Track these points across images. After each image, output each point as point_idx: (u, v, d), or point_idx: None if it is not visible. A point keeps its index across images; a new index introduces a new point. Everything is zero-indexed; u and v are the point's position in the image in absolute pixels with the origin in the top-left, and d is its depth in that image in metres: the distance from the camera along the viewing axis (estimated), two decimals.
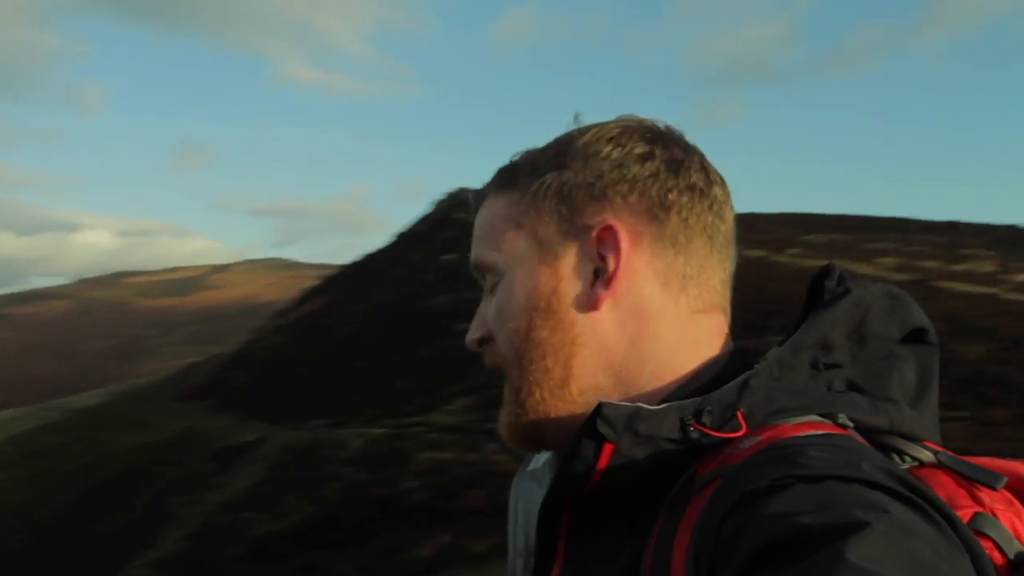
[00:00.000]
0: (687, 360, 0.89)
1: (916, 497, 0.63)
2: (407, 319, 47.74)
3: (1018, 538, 0.75)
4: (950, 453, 0.83)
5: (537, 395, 0.90)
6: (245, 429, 40.46)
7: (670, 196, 0.91)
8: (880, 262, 38.58)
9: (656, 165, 0.92)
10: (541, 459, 1.00)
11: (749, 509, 0.64)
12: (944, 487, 0.79)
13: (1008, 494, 0.80)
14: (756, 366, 0.84)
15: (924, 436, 0.86)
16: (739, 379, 0.82)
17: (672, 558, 0.71)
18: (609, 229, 0.90)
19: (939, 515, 0.62)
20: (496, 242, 0.95)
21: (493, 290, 0.95)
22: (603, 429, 0.79)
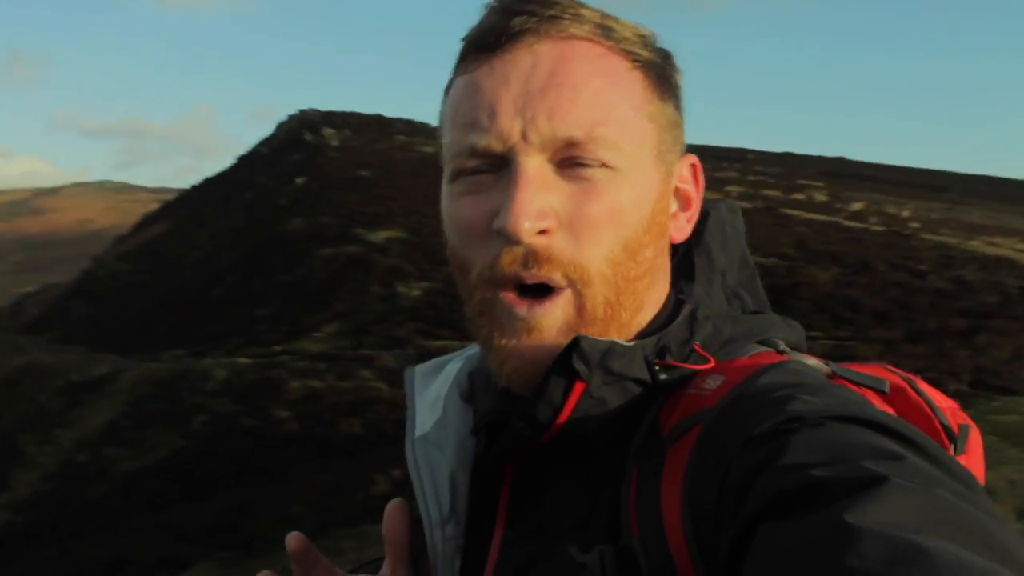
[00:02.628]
0: (661, 299, 0.85)
1: (909, 434, 0.62)
2: (261, 245, 46.33)
3: None
4: (836, 363, 0.86)
5: (616, 321, 0.79)
6: (94, 362, 38.74)
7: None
8: (728, 191, 40.73)
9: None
10: (429, 422, 0.89)
11: (755, 455, 0.62)
12: None
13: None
14: (686, 299, 0.84)
15: (803, 345, 0.89)
16: (685, 313, 0.82)
17: (662, 510, 0.68)
18: (695, 168, 0.87)
19: (932, 447, 0.61)
20: (626, 122, 0.78)
21: (584, 173, 0.76)
22: (577, 365, 0.73)
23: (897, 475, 0.54)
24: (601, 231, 0.76)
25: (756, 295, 0.92)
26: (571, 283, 0.76)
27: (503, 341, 0.79)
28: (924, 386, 0.86)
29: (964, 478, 0.58)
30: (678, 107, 0.85)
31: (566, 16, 0.78)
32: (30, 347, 43.46)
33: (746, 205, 34.89)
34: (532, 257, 0.75)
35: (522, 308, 0.77)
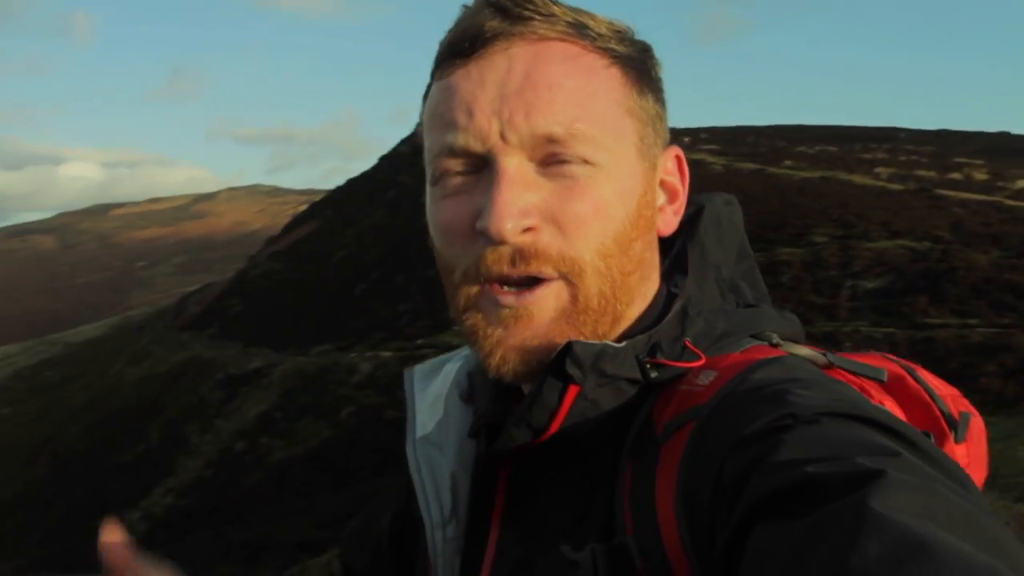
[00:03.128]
0: (651, 291, 0.85)
1: (904, 431, 0.62)
2: (404, 241, 47.66)
3: None
4: (834, 352, 0.85)
5: (609, 314, 0.78)
6: (249, 356, 40.88)
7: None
8: (877, 172, 38.89)
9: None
10: (430, 422, 0.89)
11: (751, 451, 0.61)
12: None
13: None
14: (678, 295, 0.83)
15: (801, 336, 0.88)
16: (676, 309, 0.81)
17: (656, 508, 0.67)
18: (679, 160, 0.86)
19: (926, 444, 0.61)
20: (605, 119, 0.77)
21: (565, 171, 0.76)
22: (571, 369, 0.73)
23: (894, 471, 0.54)
24: (587, 226, 0.76)
25: (756, 286, 0.91)
26: (563, 275, 0.76)
27: (489, 331, 0.78)
28: (924, 374, 0.86)
29: (959, 476, 0.58)
30: (659, 100, 0.84)
31: (538, 17, 0.77)
32: (192, 343, 46.14)
33: (897, 187, 33.18)
34: (519, 255, 0.75)
35: (509, 297, 0.76)
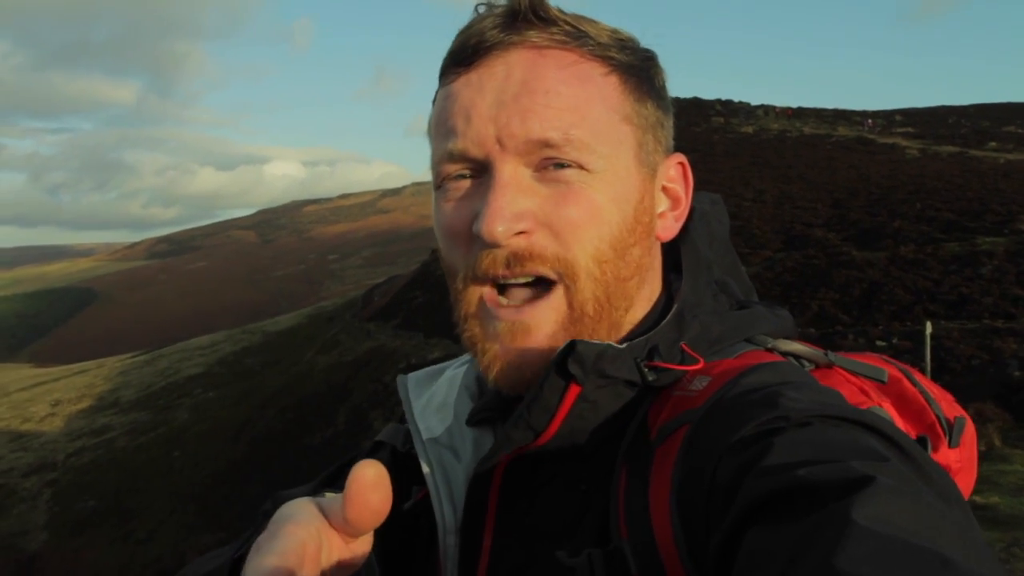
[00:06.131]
0: (652, 297, 0.85)
1: (894, 436, 0.61)
2: None
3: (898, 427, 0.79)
4: (834, 352, 0.85)
5: (606, 320, 0.79)
6: (430, 347, 42.30)
7: (672, 140, 0.87)
8: None
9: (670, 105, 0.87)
10: (437, 426, 0.89)
11: (743, 455, 0.61)
12: (840, 385, 0.82)
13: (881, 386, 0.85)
14: (675, 297, 0.84)
15: (794, 332, 0.88)
16: (673, 312, 0.81)
17: (651, 511, 0.67)
18: (683, 166, 0.86)
19: (914, 451, 0.60)
20: (601, 126, 0.78)
21: (561, 176, 0.77)
22: (574, 369, 0.73)
23: (882, 476, 0.54)
24: (582, 231, 0.76)
25: (740, 280, 0.93)
26: (560, 277, 0.77)
27: (487, 344, 0.79)
28: (920, 378, 0.88)
29: (941, 487, 0.58)
30: (661, 107, 0.84)
31: (537, 25, 0.78)
32: (377, 333, 48.14)
33: None
34: (514, 257, 0.76)
35: (508, 312, 0.78)
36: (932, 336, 13.60)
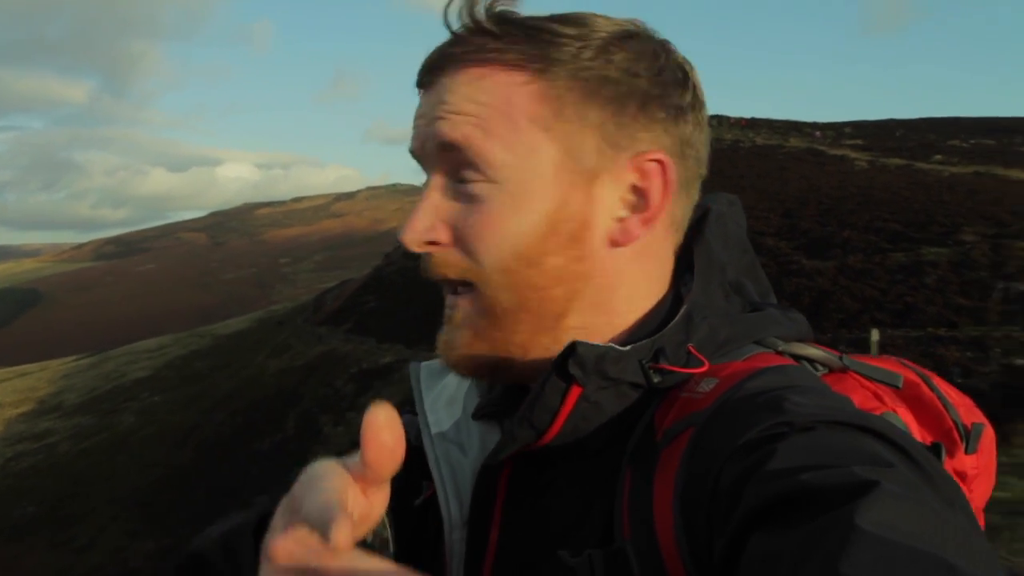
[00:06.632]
0: (656, 299, 0.84)
1: (900, 441, 0.61)
2: None
3: (913, 434, 0.80)
4: (849, 356, 0.85)
5: (526, 324, 0.80)
6: (382, 352, 42.01)
7: (693, 135, 0.84)
8: None
9: (690, 98, 0.83)
10: (446, 420, 0.90)
11: (747, 459, 0.61)
12: (853, 391, 0.81)
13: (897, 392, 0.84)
14: (684, 299, 0.83)
15: (809, 335, 0.88)
16: (681, 314, 0.80)
17: (654, 513, 0.67)
18: (660, 164, 0.81)
19: (921, 457, 0.60)
20: (506, 136, 0.78)
21: (468, 188, 0.79)
22: (574, 370, 0.74)
23: (887, 483, 0.54)
24: (482, 242, 0.78)
25: (758, 281, 0.92)
26: (470, 282, 0.80)
27: (440, 332, 0.84)
28: (939, 382, 0.88)
29: (946, 493, 0.58)
30: (620, 111, 0.80)
31: (474, 43, 0.80)
32: (328, 337, 47.65)
33: None
34: (426, 263, 0.81)
35: (452, 299, 0.83)
36: (878, 344, 13.80)
